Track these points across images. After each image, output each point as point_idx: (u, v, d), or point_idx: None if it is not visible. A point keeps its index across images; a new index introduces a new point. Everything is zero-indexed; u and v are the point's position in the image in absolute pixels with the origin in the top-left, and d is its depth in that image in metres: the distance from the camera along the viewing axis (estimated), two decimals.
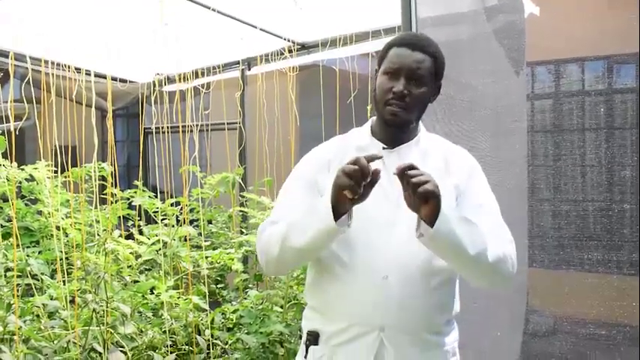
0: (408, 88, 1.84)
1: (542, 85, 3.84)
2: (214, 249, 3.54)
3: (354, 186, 1.62)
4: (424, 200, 1.61)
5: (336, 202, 1.68)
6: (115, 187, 3.64)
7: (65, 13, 3.75)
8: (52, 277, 3.02)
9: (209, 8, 3.89)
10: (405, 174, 1.61)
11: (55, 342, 2.56)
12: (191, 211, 3.88)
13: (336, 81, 4.15)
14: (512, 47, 3.39)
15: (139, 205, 3.77)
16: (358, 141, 1.99)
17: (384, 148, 1.93)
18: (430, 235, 1.65)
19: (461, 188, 1.90)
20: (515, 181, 3.27)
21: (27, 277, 2.83)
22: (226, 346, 3.13)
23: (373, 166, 1.63)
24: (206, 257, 3.37)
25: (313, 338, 1.93)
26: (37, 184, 3.40)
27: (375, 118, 2.01)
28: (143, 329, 2.92)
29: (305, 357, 1.94)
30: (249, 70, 4.98)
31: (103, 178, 3.66)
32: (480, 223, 1.76)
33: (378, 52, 1.98)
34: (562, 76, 3.76)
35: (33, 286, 2.85)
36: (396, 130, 1.93)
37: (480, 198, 1.91)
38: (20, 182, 3.35)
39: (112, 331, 2.65)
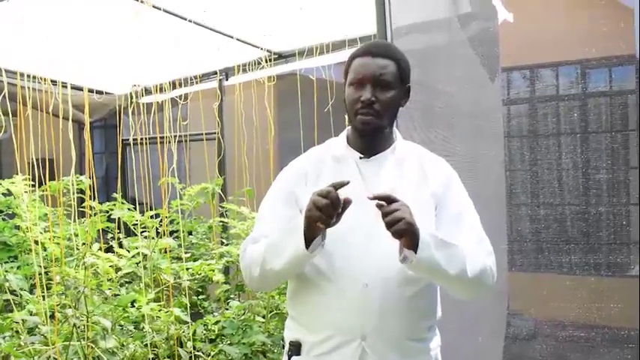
0: (375, 94, 1.86)
1: (517, 90, 3.89)
2: (195, 260, 3.53)
3: (325, 219, 1.67)
4: (399, 235, 1.66)
5: (308, 230, 1.73)
6: (94, 200, 3.62)
7: (41, 26, 3.72)
8: (30, 292, 2.99)
9: (185, 19, 3.89)
10: (380, 208, 1.65)
11: (36, 358, 2.53)
12: (171, 222, 3.86)
13: (314, 90, 4.17)
14: (487, 53, 3.44)
15: (119, 218, 3.74)
16: (335, 151, 2.01)
17: (360, 158, 1.95)
18: (412, 263, 1.70)
19: (438, 197, 1.92)
20: (493, 186, 3.30)
21: (5, 292, 2.80)
22: (209, 358, 3.11)
23: (347, 192, 1.67)
24: (187, 269, 3.35)
25: (295, 348, 1.93)
26: (15, 198, 3.37)
27: (350, 127, 2.03)
28: (124, 343, 2.90)
29: None
30: (227, 80, 4.98)
31: (81, 191, 3.64)
32: (458, 235, 1.82)
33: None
34: (536, 81, 3.80)
35: (12, 302, 2.82)
36: (370, 139, 1.94)
37: (458, 207, 1.93)
38: None
39: (93, 346, 2.63)
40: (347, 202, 1.68)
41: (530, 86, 3.87)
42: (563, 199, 3.36)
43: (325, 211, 1.66)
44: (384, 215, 1.64)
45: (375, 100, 1.85)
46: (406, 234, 1.65)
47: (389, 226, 1.64)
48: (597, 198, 3.21)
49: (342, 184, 1.68)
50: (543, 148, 3.50)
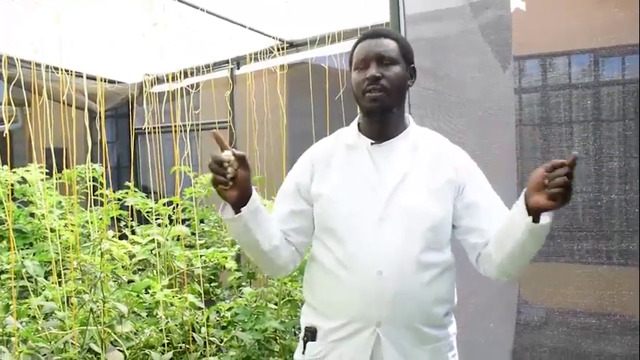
0: (381, 71, 1.88)
1: (529, 78, 3.87)
2: (207, 248, 3.55)
3: (216, 177, 1.71)
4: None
5: (224, 197, 1.77)
6: (108, 189, 3.65)
7: (54, 15, 3.74)
8: (45, 278, 3.03)
9: (197, 8, 3.90)
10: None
11: (53, 342, 2.56)
12: (183, 210, 3.89)
13: (326, 78, 4.17)
14: (499, 42, 3.42)
15: (131, 206, 3.77)
16: (346, 139, 2.02)
17: (372, 144, 1.95)
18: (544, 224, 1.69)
19: (461, 183, 1.93)
20: (505, 174, 3.30)
21: (22, 279, 2.84)
22: (221, 344, 3.14)
23: None
24: (200, 256, 3.38)
25: (311, 334, 1.95)
26: (30, 186, 3.40)
27: (361, 115, 2.03)
28: (139, 328, 2.93)
29: (303, 353, 1.96)
30: (239, 69, 4.99)
31: (94, 180, 3.66)
32: (504, 212, 1.87)
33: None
34: (549, 70, 3.79)
35: (28, 288, 2.85)
36: (381, 122, 1.94)
37: (489, 189, 1.98)
38: (13, 185, 3.35)
39: (109, 331, 2.66)
40: (238, 157, 1.72)
41: (542, 74, 3.85)
42: (575, 186, 3.34)
43: (213, 169, 1.71)
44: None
45: (380, 76, 1.87)
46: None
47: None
48: (610, 186, 3.20)
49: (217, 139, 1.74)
50: (555, 136, 3.48)
